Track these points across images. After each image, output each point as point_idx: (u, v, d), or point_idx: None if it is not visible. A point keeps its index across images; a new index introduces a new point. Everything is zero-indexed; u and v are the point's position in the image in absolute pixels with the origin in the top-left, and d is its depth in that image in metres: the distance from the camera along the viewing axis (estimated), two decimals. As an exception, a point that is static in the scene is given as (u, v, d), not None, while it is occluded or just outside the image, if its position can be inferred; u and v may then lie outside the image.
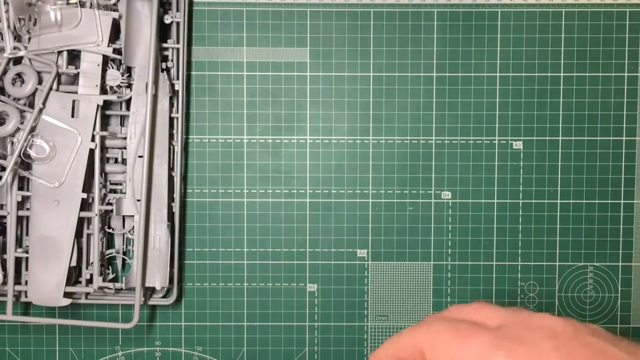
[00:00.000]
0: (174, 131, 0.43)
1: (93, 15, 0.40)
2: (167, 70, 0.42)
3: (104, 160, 0.42)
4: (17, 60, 0.41)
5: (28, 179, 0.41)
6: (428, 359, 0.26)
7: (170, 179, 0.43)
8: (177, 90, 0.42)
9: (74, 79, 0.41)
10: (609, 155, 0.44)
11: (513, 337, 0.25)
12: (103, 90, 0.41)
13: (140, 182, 0.41)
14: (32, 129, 0.40)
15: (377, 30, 0.44)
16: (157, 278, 0.42)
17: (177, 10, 0.42)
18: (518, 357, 0.24)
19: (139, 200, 0.41)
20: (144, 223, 0.41)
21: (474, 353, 0.25)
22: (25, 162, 0.41)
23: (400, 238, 0.44)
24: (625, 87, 0.44)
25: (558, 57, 0.44)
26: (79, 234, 0.42)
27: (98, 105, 0.41)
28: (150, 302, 0.43)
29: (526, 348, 0.24)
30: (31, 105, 0.41)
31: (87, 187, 0.41)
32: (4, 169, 0.40)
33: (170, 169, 0.43)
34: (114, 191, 0.43)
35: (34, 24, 0.40)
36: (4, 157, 0.40)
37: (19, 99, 0.40)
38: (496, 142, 0.44)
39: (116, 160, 0.43)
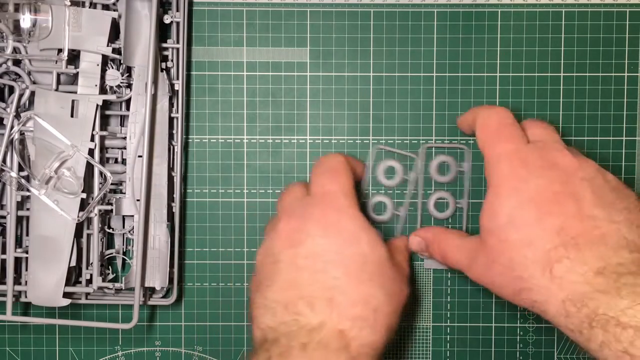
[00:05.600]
0: (174, 131, 0.43)
1: (94, 15, 0.40)
2: (167, 70, 0.42)
3: (103, 160, 0.42)
4: (17, 61, 0.41)
5: (27, 178, 0.41)
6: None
7: (170, 179, 0.43)
8: (177, 90, 0.42)
9: (74, 79, 0.41)
10: (609, 155, 0.44)
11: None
12: (102, 90, 0.41)
13: (140, 182, 0.41)
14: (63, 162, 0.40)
15: (377, 30, 0.44)
16: (157, 278, 0.42)
17: (177, 10, 0.42)
18: None
19: (138, 200, 0.41)
20: (144, 223, 0.41)
21: None
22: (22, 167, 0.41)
23: (400, 238, 0.44)
24: (625, 87, 0.44)
25: (558, 57, 0.44)
26: (78, 234, 0.42)
27: (97, 105, 0.41)
28: (150, 302, 0.43)
29: None
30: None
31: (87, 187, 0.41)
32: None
33: (170, 169, 0.43)
34: (114, 191, 0.43)
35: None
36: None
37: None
38: (496, 142, 0.44)
39: (116, 160, 0.43)
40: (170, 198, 0.43)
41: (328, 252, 0.35)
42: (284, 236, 0.36)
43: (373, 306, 0.34)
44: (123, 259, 0.44)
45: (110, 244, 0.44)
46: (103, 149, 0.42)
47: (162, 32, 0.42)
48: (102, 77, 0.41)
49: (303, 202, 0.37)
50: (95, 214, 0.41)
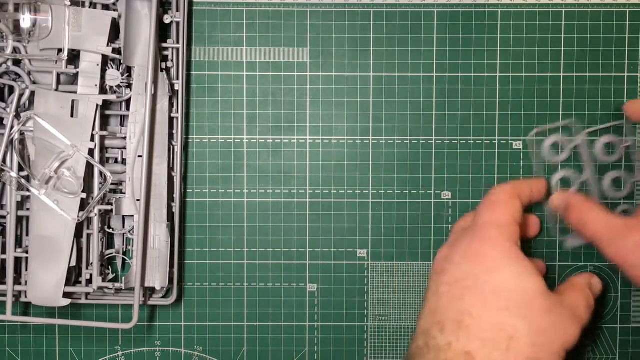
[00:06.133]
0: (174, 131, 0.43)
1: (94, 15, 0.40)
2: (167, 70, 0.42)
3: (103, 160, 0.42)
4: (17, 61, 0.41)
5: (27, 178, 0.41)
6: None
7: (170, 179, 0.43)
8: (177, 90, 0.42)
9: (74, 79, 0.41)
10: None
11: None
12: (102, 90, 0.41)
13: (140, 182, 0.41)
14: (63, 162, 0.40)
15: (377, 30, 0.44)
16: (157, 278, 0.42)
17: (177, 10, 0.42)
18: None
19: (138, 200, 0.41)
20: (144, 223, 0.41)
21: None
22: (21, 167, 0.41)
23: (400, 238, 0.44)
24: (625, 87, 0.44)
25: (558, 57, 0.44)
26: (78, 234, 0.42)
27: (97, 105, 0.41)
28: (150, 302, 0.43)
29: None
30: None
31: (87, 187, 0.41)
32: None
33: (170, 168, 0.43)
34: (114, 191, 0.43)
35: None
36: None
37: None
38: (496, 142, 0.44)
39: (116, 160, 0.43)
40: (170, 198, 0.43)
41: (466, 279, 0.35)
42: (436, 264, 0.38)
43: (509, 334, 0.34)
44: (123, 259, 0.44)
45: (110, 244, 0.44)
46: (103, 149, 0.42)
47: (162, 32, 0.42)
48: (102, 77, 0.41)
49: (460, 233, 0.39)
50: (95, 214, 0.41)
